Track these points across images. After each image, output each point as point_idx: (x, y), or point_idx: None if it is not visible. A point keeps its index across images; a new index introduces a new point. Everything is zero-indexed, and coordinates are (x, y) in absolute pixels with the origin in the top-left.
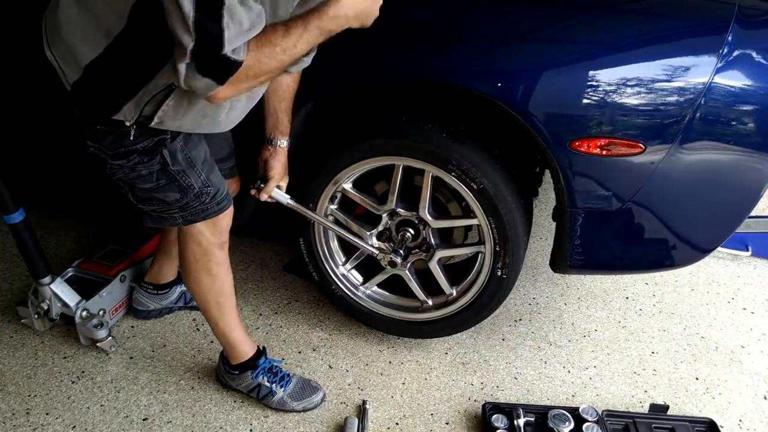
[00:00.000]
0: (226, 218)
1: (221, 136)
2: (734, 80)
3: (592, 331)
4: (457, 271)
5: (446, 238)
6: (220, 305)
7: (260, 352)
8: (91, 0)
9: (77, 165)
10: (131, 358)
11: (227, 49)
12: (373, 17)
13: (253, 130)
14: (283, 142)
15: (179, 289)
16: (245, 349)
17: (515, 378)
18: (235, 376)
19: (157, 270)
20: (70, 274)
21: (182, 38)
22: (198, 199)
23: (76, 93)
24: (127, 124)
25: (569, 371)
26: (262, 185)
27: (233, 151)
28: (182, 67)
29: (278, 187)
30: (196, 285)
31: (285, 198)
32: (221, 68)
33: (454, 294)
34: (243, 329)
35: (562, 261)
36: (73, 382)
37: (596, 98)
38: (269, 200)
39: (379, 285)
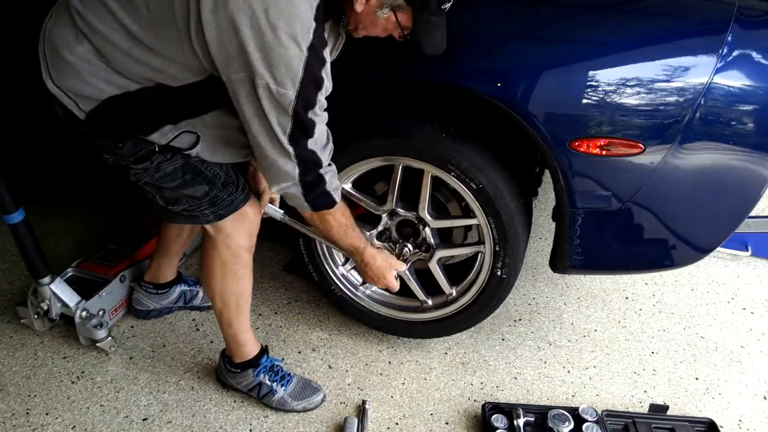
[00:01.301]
0: (255, 219)
1: None
2: (734, 80)
3: (592, 331)
4: (456, 271)
5: (446, 238)
6: (240, 307)
7: (263, 351)
8: (109, 51)
9: (77, 161)
10: (131, 358)
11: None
12: (380, 285)
13: None
14: None
15: (179, 288)
16: (251, 348)
17: (515, 378)
18: (237, 375)
19: (155, 269)
20: (69, 274)
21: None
22: (226, 189)
23: (91, 120)
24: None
25: (569, 371)
26: None
27: None
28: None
29: (271, 200)
30: (220, 287)
31: (278, 213)
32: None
33: (454, 294)
34: (251, 329)
35: (561, 261)
36: (72, 382)
37: (596, 98)
38: (263, 216)
39: None
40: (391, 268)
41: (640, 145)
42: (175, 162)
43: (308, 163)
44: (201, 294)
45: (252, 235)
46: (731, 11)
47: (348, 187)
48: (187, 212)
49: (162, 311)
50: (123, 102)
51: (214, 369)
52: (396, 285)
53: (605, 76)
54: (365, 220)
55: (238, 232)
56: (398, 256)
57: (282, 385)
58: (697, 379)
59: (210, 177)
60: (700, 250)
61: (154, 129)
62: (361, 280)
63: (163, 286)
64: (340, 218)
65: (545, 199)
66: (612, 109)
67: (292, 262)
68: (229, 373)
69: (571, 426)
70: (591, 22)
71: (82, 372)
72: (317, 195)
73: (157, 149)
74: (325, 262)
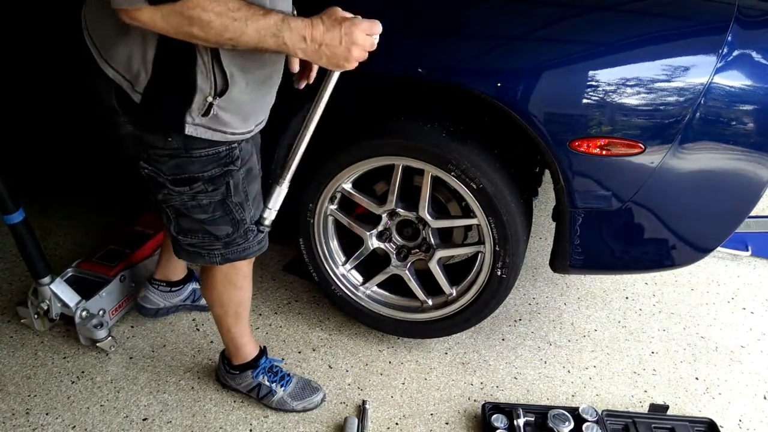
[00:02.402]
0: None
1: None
2: (734, 80)
3: (592, 331)
4: (456, 271)
5: (446, 238)
6: (239, 314)
7: (262, 352)
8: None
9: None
10: (131, 358)
11: None
12: (344, 67)
13: None
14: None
15: (191, 286)
16: (250, 350)
17: (515, 378)
18: (236, 376)
19: (166, 266)
20: (69, 274)
21: None
22: (245, 236)
23: (146, 101)
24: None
25: (569, 371)
26: None
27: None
28: None
29: None
30: (219, 295)
31: None
32: None
33: (454, 294)
34: (251, 332)
35: (562, 261)
36: (72, 382)
37: (596, 98)
38: None
39: (379, 285)
40: (356, 39)
41: (640, 145)
42: (213, 196)
43: None
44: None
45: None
46: (731, 11)
47: (348, 187)
48: (193, 248)
49: (169, 310)
50: (167, 58)
51: (214, 369)
52: (362, 55)
53: (605, 76)
54: (365, 220)
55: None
56: (398, 257)
57: (281, 386)
58: (697, 379)
59: (237, 220)
60: (700, 250)
61: (193, 75)
62: (361, 279)
63: (176, 284)
64: (212, 4)
65: (545, 199)
66: (612, 109)
67: (292, 262)
68: (229, 374)
69: (571, 426)
70: (591, 22)
71: (82, 372)
72: None
73: (205, 176)
74: (325, 262)
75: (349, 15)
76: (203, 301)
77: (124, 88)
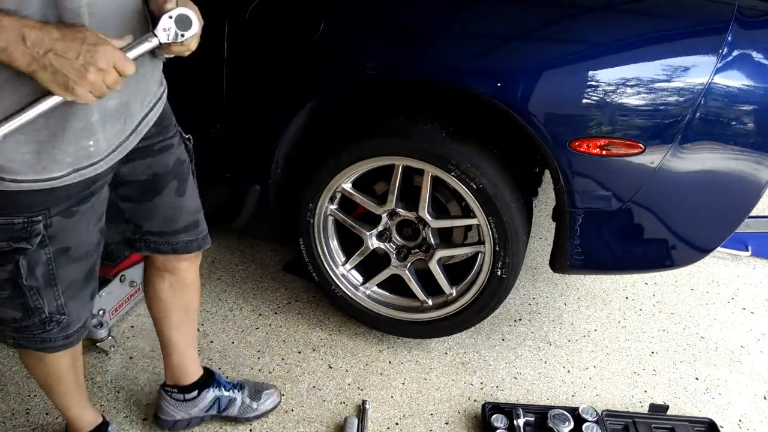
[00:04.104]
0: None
1: (172, 204)
2: (734, 80)
3: (592, 331)
4: (456, 271)
5: (446, 237)
6: (51, 387)
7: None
8: None
9: None
10: (131, 358)
11: None
12: (72, 91)
13: None
14: None
15: (211, 393)
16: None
17: (515, 378)
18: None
19: (170, 367)
20: None
21: None
22: (42, 327)
23: None
24: None
25: (569, 371)
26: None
27: (197, 222)
28: None
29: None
30: (29, 369)
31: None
32: None
33: (454, 294)
34: (86, 402)
35: (561, 261)
36: None
37: (596, 98)
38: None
39: (379, 285)
40: (97, 61)
41: (640, 145)
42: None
43: None
44: (240, 400)
45: None
46: (731, 11)
47: (348, 187)
48: None
49: (191, 422)
50: None
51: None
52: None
53: (605, 76)
54: (365, 220)
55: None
56: (398, 256)
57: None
58: (697, 379)
59: (30, 307)
60: (700, 250)
61: None
62: (361, 279)
63: (189, 389)
64: None
65: (545, 199)
66: (612, 109)
67: (292, 262)
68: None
69: (571, 426)
70: (591, 22)
71: None
72: None
73: None
74: (325, 262)
75: (103, 36)
76: (233, 411)
77: None
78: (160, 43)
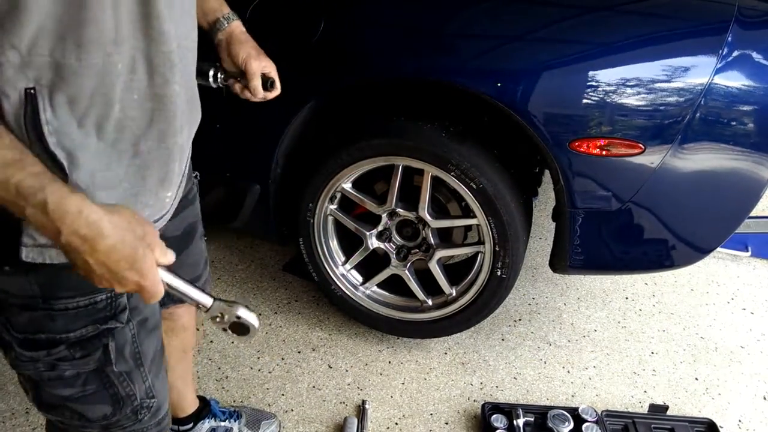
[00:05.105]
0: None
1: (197, 250)
2: (734, 80)
3: (592, 331)
4: (456, 271)
5: (446, 237)
6: None
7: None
8: None
9: None
10: None
11: None
12: (111, 285)
13: None
14: (234, 16)
15: (207, 425)
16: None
17: (515, 378)
18: (191, 431)
19: (169, 403)
20: None
21: None
22: (135, 417)
23: None
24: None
25: (569, 371)
26: (241, 82)
27: (206, 263)
28: None
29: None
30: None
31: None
32: None
33: (454, 294)
34: None
35: (561, 261)
36: None
37: (596, 98)
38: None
39: (379, 285)
40: (143, 260)
41: (640, 145)
42: (84, 365)
43: None
44: (236, 430)
45: None
46: (731, 11)
47: (348, 187)
48: (63, 425)
49: None
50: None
51: (214, 369)
52: (158, 289)
53: (605, 76)
54: (365, 220)
55: None
56: (398, 256)
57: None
58: (696, 379)
59: (121, 396)
60: (700, 251)
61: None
62: (361, 279)
63: (184, 421)
64: None
65: (545, 199)
66: (612, 109)
67: (292, 262)
68: None
69: (571, 426)
70: (591, 22)
71: None
72: None
73: (70, 338)
74: (324, 262)
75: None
76: None
77: None
78: (207, 310)
